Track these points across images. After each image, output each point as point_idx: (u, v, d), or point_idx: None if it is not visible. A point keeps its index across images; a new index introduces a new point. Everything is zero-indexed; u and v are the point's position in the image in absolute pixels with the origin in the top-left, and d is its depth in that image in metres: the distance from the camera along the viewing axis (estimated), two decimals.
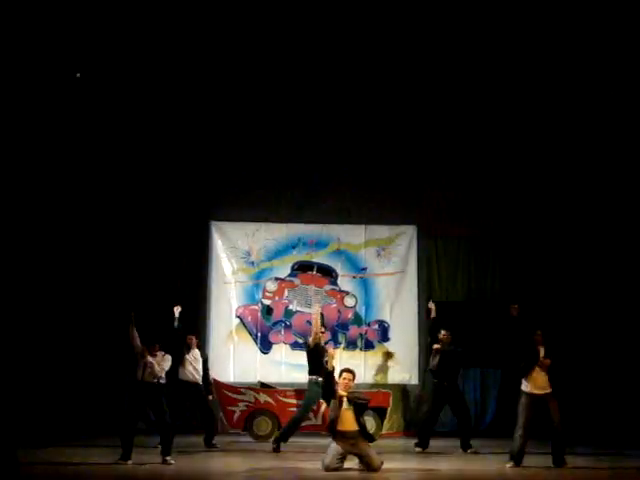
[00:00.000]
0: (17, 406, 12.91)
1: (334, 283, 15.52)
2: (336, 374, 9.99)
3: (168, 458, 10.16)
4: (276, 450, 11.33)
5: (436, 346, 12.07)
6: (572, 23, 12.19)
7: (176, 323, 12.00)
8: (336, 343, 14.78)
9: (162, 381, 10.39)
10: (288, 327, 15.31)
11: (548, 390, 10.17)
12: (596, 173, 14.84)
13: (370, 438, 9.87)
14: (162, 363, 10.37)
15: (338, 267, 15.54)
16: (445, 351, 12.00)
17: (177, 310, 12.07)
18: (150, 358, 10.30)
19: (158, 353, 10.41)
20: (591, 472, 10.07)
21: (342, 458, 9.70)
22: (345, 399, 9.76)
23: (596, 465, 10.58)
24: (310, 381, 11.54)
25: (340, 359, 11.82)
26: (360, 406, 9.81)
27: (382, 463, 9.70)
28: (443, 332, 12.26)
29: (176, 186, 15.37)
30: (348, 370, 10.09)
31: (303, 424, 11.96)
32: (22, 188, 13.72)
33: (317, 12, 12.28)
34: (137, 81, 13.80)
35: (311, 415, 12.61)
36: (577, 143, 14.77)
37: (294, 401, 13.10)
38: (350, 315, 15.43)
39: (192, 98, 14.31)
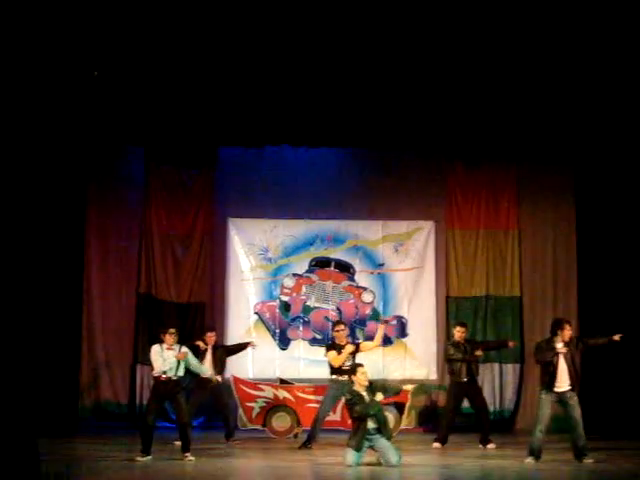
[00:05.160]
0: (35, 398, 13.10)
1: (352, 279, 15.51)
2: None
3: (188, 454, 10.19)
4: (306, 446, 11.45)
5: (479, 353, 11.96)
6: None
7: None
8: (354, 339, 14.64)
9: (180, 376, 10.39)
10: (306, 323, 15.32)
11: (568, 387, 10.12)
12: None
13: (387, 435, 9.87)
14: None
15: (356, 263, 15.52)
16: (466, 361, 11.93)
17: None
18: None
19: (174, 347, 10.36)
20: (612, 467, 10.01)
21: (363, 453, 9.74)
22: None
23: (618, 460, 10.53)
24: (331, 380, 11.61)
25: (358, 355, 11.79)
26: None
27: (401, 458, 9.73)
28: (458, 328, 12.24)
29: (193, 182, 15.39)
30: (360, 364, 10.31)
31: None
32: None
33: None
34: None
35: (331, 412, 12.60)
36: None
37: (313, 397, 13.13)
38: (368, 311, 15.41)
39: (210, 91, 14.15)
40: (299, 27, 11.86)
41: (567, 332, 10.22)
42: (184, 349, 10.40)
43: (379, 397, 9.86)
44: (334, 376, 11.53)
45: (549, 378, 10.12)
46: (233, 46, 12.39)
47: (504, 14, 11.42)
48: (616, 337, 10.31)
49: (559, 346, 10.10)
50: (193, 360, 10.59)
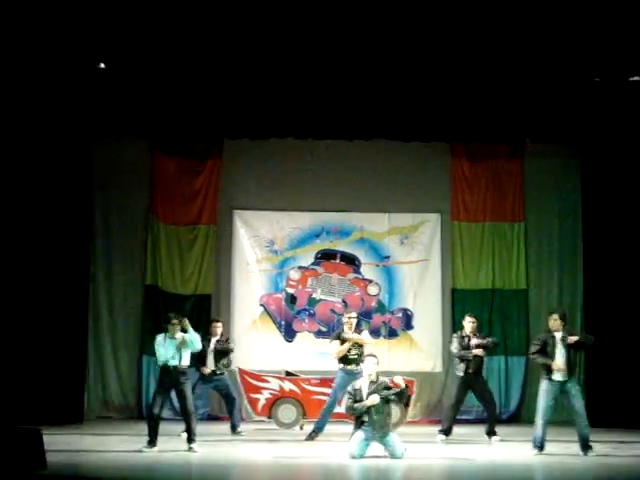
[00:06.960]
0: (42, 389, 13.16)
1: (357, 271, 15.51)
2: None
3: (193, 445, 10.22)
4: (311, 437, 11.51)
5: (476, 351, 11.85)
6: None
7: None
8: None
9: (186, 366, 10.39)
10: (312, 315, 15.33)
11: (568, 376, 10.11)
12: None
13: (381, 434, 9.81)
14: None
15: (362, 255, 15.52)
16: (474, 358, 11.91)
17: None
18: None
19: (177, 336, 10.33)
20: (617, 460, 10.01)
21: (367, 445, 9.74)
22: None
23: (623, 453, 10.52)
24: (339, 369, 11.62)
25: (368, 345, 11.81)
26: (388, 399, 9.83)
27: (406, 450, 9.73)
28: (467, 318, 12.22)
29: (199, 174, 15.40)
30: (371, 355, 10.23)
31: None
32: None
33: None
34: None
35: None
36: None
37: (318, 389, 13.14)
38: (373, 303, 15.42)
39: (216, 82, 14.12)
40: (305, 19, 11.88)
41: (553, 322, 10.29)
42: (179, 335, 10.33)
43: (372, 401, 9.69)
44: (341, 365, 11.56)
45: (548, 368, 10.14)
46: (240, 37, 12.38)
47: (507, 3, 11.42)
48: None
49: (558, 336, 10.16)
50: (190, 335, 10.40)
